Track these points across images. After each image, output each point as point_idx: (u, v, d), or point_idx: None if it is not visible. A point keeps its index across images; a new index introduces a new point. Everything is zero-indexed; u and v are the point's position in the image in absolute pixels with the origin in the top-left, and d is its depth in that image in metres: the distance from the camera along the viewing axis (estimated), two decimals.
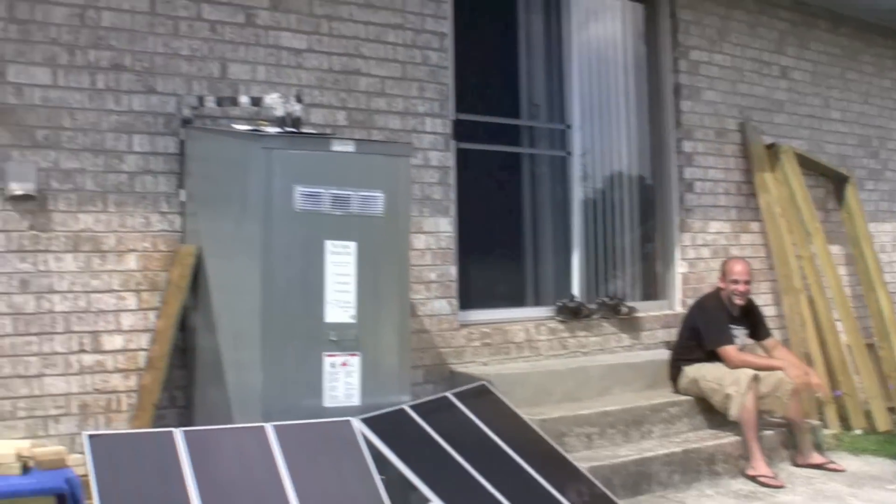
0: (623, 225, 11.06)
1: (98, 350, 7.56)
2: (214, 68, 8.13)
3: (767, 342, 10.07)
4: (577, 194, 10.57)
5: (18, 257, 7.31)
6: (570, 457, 7.95)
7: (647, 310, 10.91)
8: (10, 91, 7.34)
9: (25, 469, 6.64)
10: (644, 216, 11.28)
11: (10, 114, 7.32)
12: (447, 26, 9.47)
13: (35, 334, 7.35)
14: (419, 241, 9.00)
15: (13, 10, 7.36)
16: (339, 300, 7.15)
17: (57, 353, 7.42)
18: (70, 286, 7.48)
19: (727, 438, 9.29)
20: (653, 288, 11.34)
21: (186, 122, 7.90)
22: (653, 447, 8.94)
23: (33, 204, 7.35)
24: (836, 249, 12.45)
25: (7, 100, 7.32)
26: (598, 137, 10.87)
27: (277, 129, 7.41)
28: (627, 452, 8.74)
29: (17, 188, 7.26)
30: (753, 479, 9.00)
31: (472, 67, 9.81)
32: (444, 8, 9.45)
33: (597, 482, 7.74)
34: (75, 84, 7.56)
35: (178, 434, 6.44)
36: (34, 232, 7.37)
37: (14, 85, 7.35)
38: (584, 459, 8.20)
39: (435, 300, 9.21)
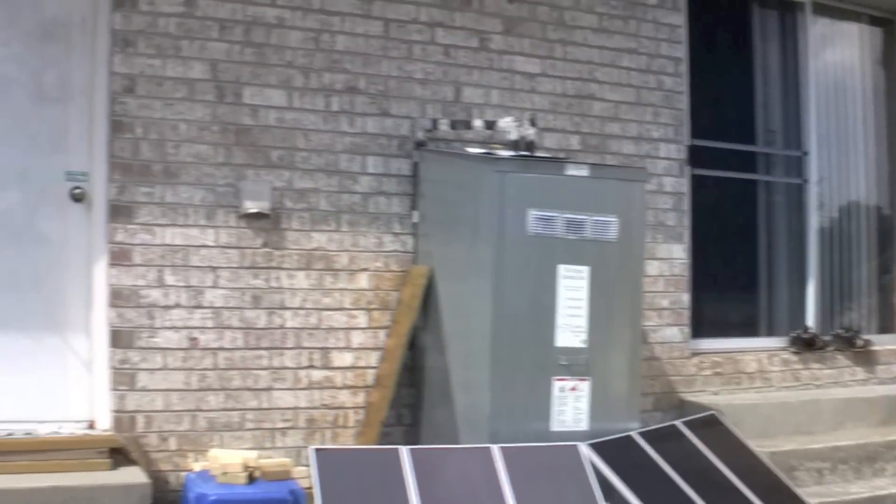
0: (860, 255, 10.55)
1: (327, 366, 7.56)
2: (448, 92, 8.04)
3: None
4: (813, 223, 10.14)
5: (251, 273, 7.36)
6: (799, 491, 7.54)
7: (883, 343, 10.36)
8: (247, 112, 7.39)
9: (251, 479, 6.73)
10: (882, 246, 10.74)
11: (245, 134, 7.38)
12: (682, 51, 9.19)
13: (266, 349, 7.39)
14: (652, 268, 8.71)
15: (250, 33, 7.42)
16: (571, 325, 6.97)
17: (286, 368, 7.45)
18: (302, 303, 7.49)
19: None
20: (889, 321, 10.77)
21: (420, 145, 7.82)
22: (885, 485, 8.41)
23: (267, 222, 7.39)
24: None
25: (243, 121, 7.38)
26: (836, 164, 10.40)
27: (511, 153, 7.25)
28: (859, 490, 8.27)
29: (251, 206, 7.30)
30: None
31: (707, 93, 9.48)
32: (678, 32, 9.17)
33: None
34: (310, 106, 7.58)
35: (404, 452, 6.35)
36: (267, 249, 7.41)
37: (250, 106, 7.41)
38: (814, 495, 7.79)
39: (666, 327, 8.93)
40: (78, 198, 7.07)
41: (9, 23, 7.06)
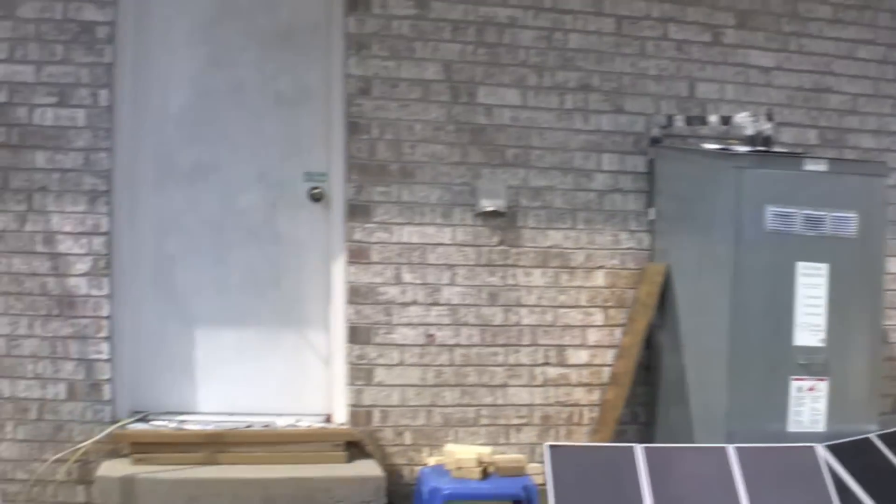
0: None
1: (562, 363, 7.43)
2: (682, 87, 7.79)
3: None
4: None
5: (488, 271, 7.30)
6: None
7: None
8: (481, 112, 7.33)
9: (485, 474, 6.67)
10: None
11: (480, 133, 7.31)
12: None
13: (501, 346, 7.33)
14: (893, 265, 8.22)
15: (482, 34, 7.36)
16: (809, 323, 6.71)
17: (522, 365, 7.36)
18: (537, 300, 7.39)
19: None
20: None
21: (655, 141, 7.59)
22: None
23: (503, 220, 7.31)
24: None
25: (478, 120, 7.32)
26: None
27: (747, 148, 7.00)
28: None
29: (487, 205, 7.23)
30: None
31: None
32: None
33: None
34: (544, 104, 7.45)
35: (639, 450, 6.19)
36: (503, 247, 7.33)
37: (484, 106, 7.34)
38: None
39: None
40: (317, 197, 7.14)
41: (246, 29, 7.19)
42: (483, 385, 7.28)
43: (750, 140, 7.10)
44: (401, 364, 7.13)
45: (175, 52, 7.09)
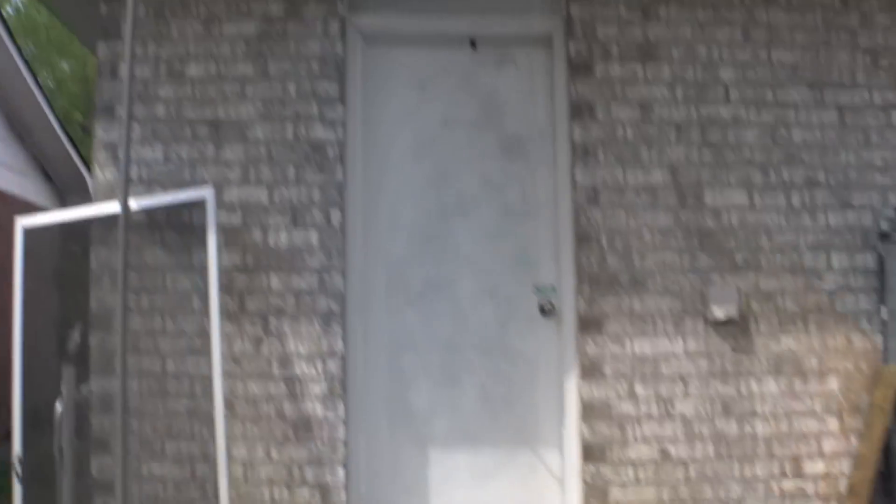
0: None
1: (798, 475, 7.15)
2: None
3: None
4: None
5: (720, 381, 7.08)
6: None
7: None
8: (709, 215, 7.15)
9: None
10: None
11: (709, 238, 7.12)
12: None
13: (737, 458, 7.08)
14: None
15: (706, 134, 7.21)
16: None
17: (757, 479, 7.10)
18: (772, 409, 7.13)
19: None
20: None
21: (884, 237, 7.33)
22: None
23: (734, 327, 7.08)
24: None
25: (706, 224, 7.14)
26: None
27: None
28: None
29: (719, 312, 7.02)
30: None
31: None
32: None
33: None
34: (771, 203, 7.24)
35: None
36: (736, 355, 7.10)
37: (711, 209, 7.16)
38: None
39: None
40: (547, 311, 7.01)
41: (471, 141, 7.19)
42: (720, 501, 7.05)
43: None
44: (636, 482, 6.94)
45: (401, 169, 7.09)
